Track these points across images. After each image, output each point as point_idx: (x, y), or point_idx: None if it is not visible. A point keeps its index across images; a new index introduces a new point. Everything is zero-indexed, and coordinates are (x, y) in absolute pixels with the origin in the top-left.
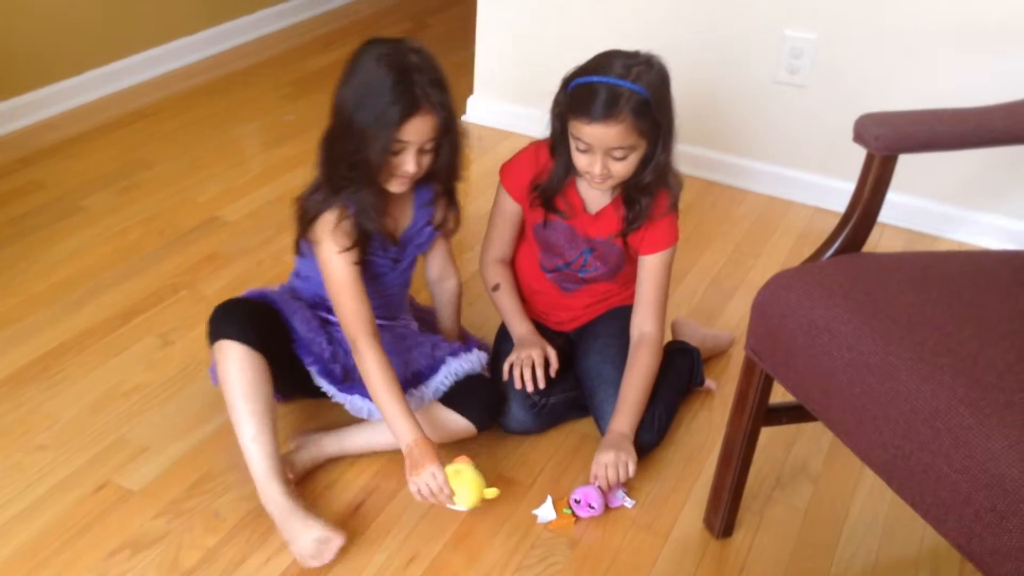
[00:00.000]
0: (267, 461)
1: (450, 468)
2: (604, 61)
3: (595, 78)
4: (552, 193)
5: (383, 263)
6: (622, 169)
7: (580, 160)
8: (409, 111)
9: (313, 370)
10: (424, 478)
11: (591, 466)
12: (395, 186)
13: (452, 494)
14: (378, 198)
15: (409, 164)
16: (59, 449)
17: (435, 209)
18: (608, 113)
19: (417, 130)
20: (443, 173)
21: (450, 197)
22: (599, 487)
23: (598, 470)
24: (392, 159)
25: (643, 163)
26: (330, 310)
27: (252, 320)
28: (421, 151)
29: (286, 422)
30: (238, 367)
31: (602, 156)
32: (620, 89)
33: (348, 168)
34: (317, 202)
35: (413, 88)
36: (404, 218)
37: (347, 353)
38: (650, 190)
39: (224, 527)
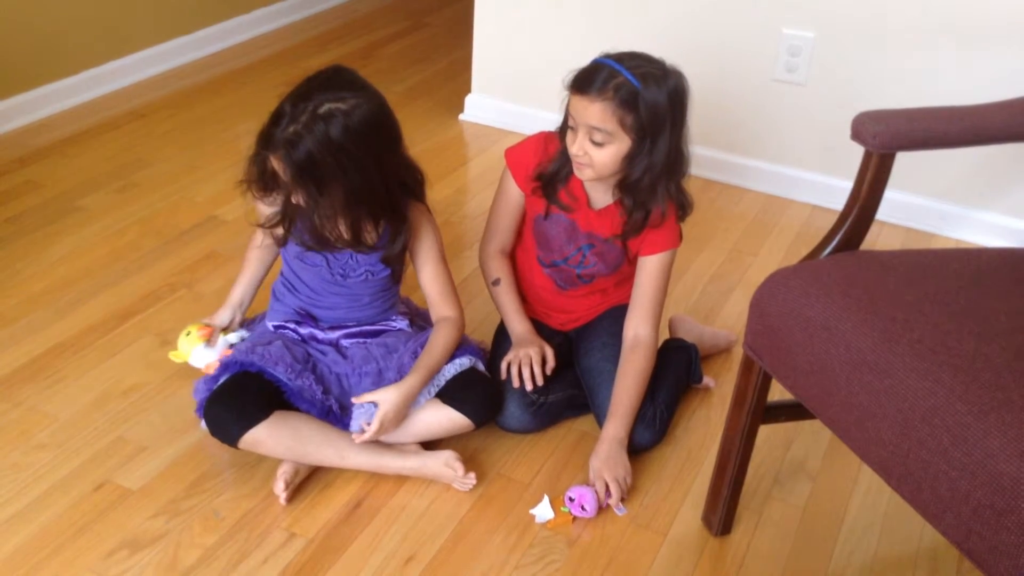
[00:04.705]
0: (371, 458)
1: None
2: (628, 53)
3: (608, 61)
4: (555, 180)
5: (322, 269)
6: (600, 157)
7: (568, 137)
8: (264, 146)
9: (312, 414)
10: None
11: (589, 472)
12: None
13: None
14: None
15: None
16: (57, 448)
17: (393, 244)
18: (595, 89)
19: (277, 166)
20: (319, 234)
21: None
22: (596, 491)
23: (599, 486)
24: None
25: (628, 162)
26: (314, 318)
27: (244, 400)
28: (293, 186)
29: None
30: (275, 441)
31: (583, 135)
32: (617, 73)
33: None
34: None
35: (273, 130)
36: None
37: (340, 380)
38: (642, 198)
39: (223, 526)
